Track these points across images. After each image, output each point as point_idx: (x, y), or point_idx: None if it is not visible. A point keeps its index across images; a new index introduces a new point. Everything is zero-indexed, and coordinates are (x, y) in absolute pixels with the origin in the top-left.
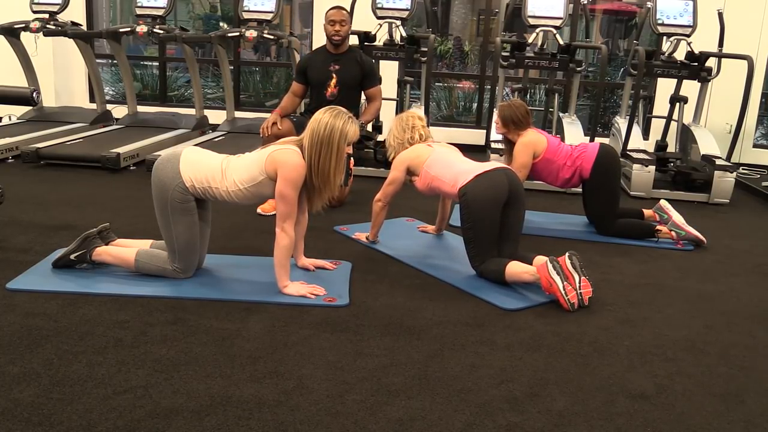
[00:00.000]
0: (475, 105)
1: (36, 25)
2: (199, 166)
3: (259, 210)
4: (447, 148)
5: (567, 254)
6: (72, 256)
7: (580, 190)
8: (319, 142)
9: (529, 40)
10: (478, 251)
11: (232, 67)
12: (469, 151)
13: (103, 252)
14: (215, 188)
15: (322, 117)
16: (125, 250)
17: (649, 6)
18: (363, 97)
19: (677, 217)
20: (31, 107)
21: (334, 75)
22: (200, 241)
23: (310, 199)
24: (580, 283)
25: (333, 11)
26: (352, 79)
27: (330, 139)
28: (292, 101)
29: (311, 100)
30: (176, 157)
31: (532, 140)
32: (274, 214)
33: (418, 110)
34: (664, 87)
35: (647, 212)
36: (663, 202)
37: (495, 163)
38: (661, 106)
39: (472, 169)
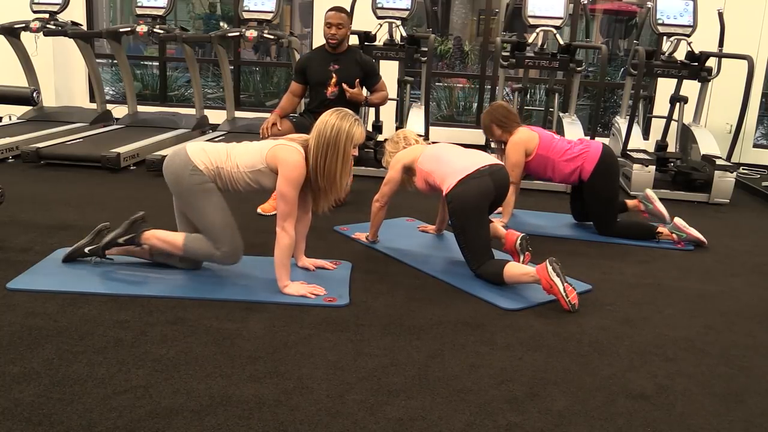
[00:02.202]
0: (475, 105)
1: (36, 24)
2: (205, 149)
3: (259, 210)
4: (442, 144)
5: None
6: (121, 240)
7: (567, 189)
8: (325, 144)
9: (529, 40)
10: (473, 255)
11: (232, 67)
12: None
13: (152, 236)
14: (222, 168)
15: (329, 119)
16: (173, 233)
17: (650, 6)
18: (365, 92)
19: (660, 206)
20: (31, 107)
21: (334, 75)
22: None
23: (316, 200)
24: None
25: (331, 13)
26: (352, 79)
27: (336, 141)
28: (291, 101)
29: (311, 100)
30: (182, 148)
31: (523, 138)
32: (275, 214)
33: (415, 113)
34: (664, 87)
35: (630, 203)
36: (648, 191)
37: (485, 158)
38: (661, 106)
39: (460, 169)
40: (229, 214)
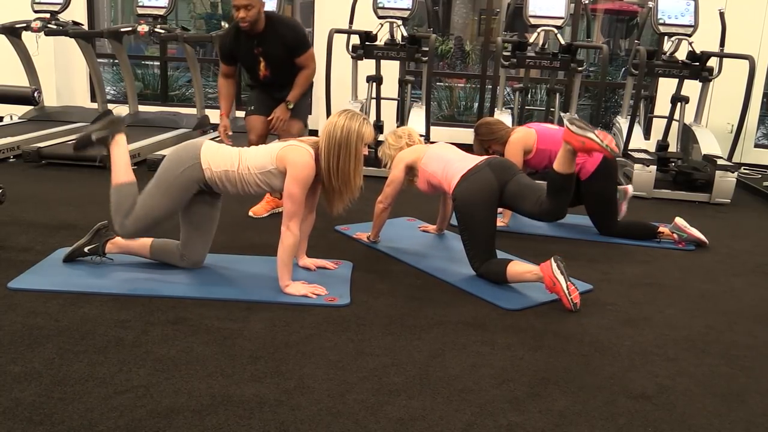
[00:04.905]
0: (476, 105)
1: (37, 24)
2: (219, 152)
3: (250, 213)
4: (443, 145)
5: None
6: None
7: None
8: (336, 145)
9: (531, 40)
10: (476, 252)
11: None
12: (470, 151)
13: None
14: (232, 171)
15: (337, 120)
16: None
17: (651, 6)
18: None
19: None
20: (32, 107)
21: (261, 59)
22: (204, 238)
23: (331, 201)
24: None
25: None
26: (278, 58)
27: (347, 142)
28: (229, 85)
29: (250, 77)
30: (198, 143)
31: (519, 137)
32: (266, 217)
33: (416, 113)
34: (666, 87)
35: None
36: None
37: (483, 157)
38: (662, 105)
39: (462, 168)
40: (165, 219)
